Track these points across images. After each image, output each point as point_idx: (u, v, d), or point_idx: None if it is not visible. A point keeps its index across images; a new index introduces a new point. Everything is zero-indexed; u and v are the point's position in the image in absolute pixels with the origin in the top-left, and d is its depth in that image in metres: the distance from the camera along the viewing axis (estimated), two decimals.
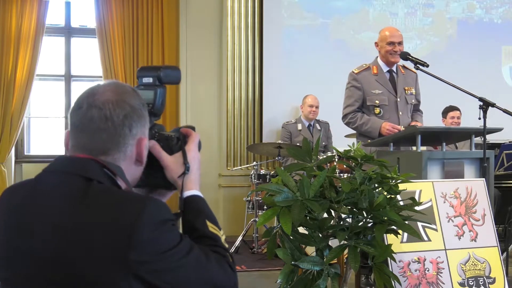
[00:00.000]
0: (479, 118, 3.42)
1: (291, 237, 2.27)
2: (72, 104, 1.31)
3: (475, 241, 2.97)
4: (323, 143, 5.92)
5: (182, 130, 1.41)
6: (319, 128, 5.98)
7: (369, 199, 2.29)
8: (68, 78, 6.24)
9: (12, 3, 5.78)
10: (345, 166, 4.24)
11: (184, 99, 6.21)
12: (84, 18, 6.35)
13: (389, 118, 4.00)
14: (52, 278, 1.17)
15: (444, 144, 3.75)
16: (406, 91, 4.11)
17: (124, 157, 1.29)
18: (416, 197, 2.88)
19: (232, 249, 4.92)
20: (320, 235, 2.33)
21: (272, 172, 5.32)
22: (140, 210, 1.17)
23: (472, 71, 6.53)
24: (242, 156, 6.27)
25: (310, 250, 2.48)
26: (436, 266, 2.83)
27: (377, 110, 4.02)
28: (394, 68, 4.13)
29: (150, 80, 1.37)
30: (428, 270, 2.80)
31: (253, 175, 5.31)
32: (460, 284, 2.84)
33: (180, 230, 1.29)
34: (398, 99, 4.06)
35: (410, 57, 3.83)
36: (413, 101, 4.15)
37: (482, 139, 3.45)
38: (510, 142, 5.34)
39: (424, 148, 4.04)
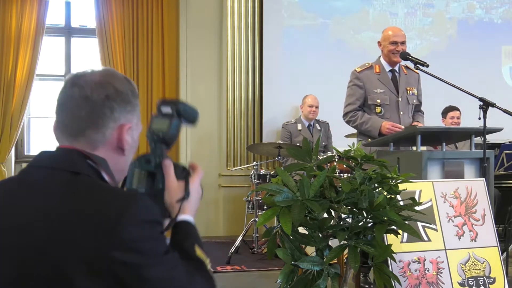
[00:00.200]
0: (479, 118, 3.42)
1: (291, 237, 2.27)
2: None
3: (475, 241, 2.97)
4: (323, 143, 5.92)
5: (190, 164, 1.43)
6: (319, 128, 5.98)
7: (369, 199, 2.29)
8: None
9: (12, 3, 5.79)
10: (345, 166, 4.24)
11: (184, 99, 6.19)
12: (84, 18, 6.35)
13: (390, 117, 4.00)
14: (31, 273, 1.14)
15: (444, 144, 3.74)
16: (408, 91, 4.11)
17: (103, 139, 1.26)
18: (416, 197, 2.88)
19: (232, 249, 4.92)
20: (320, 235, 2.33)
21: (272, 172, 5.32)
22: (126, 206, 1.15)
23: (472, 71, 6.52)
24: (242, 156, 6.27)
25: (310, 250, 2.48)
26: (436, 266, 2.83)
27: (378, 109, 4.02)
28: (396, 68, 4.13)
29: (169, 110, 1.38)
30: (428, 270, 2.80)
31: (253, 175, 5.31)
32: (460, 284, 2.84)
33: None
34: (400, 99, 4.06)
35: (410, 57, 3.83)
36: (414, 101, 4.14)
37: (482, 139, 3.45)
38: (510, 142, 5.34)
39: (424, 148, 4.04)
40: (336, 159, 4.27)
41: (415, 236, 2.37)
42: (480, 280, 2.90)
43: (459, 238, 2.94)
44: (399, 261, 2.73)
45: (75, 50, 6.30)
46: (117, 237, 1.12)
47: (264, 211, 3.58)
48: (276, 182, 2.34)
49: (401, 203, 2.47)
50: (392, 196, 2.42)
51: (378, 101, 4.03)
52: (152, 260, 1.15)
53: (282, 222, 2.17)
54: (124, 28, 6.00)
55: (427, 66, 3.71)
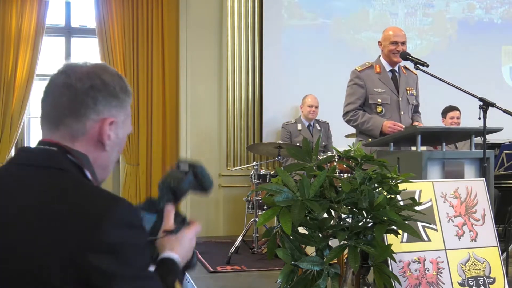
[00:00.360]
0: (479, 118, 3.42)
1: (291, 237, 2.27)
2: None
3: (475, 241, 2.97)
4: (323, 143, 5.92)
5: (191, 220, 1.43)
6: (319, 128, 5.98)
7: (369, 199, 2.29)
8: None
9: (12, 3, 5.79)
10: (345, 166, 4.23)
11: (184, 99, 6.20)
12: (84, 18, 6.35)
13: (391, 117, 3.99)
14: (11, 270, 1.11)
15: (444, 144, 3.75)
16: (408, 92, 4.11)
17: (83, 130, 1.23)
18: (416, 197, 2.88)
19: (232, 249, 4.92)
20: (320, 235, 2.33)
21: (272, 172, 5.32)
22: (110, 207, 1.10)
23: (472, 71, 6.52)
24: (242, 156, 6.27)
25: (310, 250, 2.48)
26: (436, 266, 2.83)
27: (379, 109, 4.02)
28: (396, 68, 4.13)
29: (187, 168, 1.42)
30: (428, 270, 2.80)
31: (253, 175, 5.31)
32: (460, 284, 2.84)
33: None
34: (400, 99, 4.06)
35: (410, 57, 3.83)
36: (414, 101, 4.15)
37: (482, 139, 3.45)
38: (510, 142, 5.34)
39: (424, 148, 4.04)
40: (336, 159, 4.27)
41: (415, 236, 2.37)
42: (480, 280, 2.90)
43: (459, 238, 2.94)
44: (399, 261, 2.73)
45: (75, 50, 6.30)
46: (97, 238, 1.07)
47: (264, 211, 3.58)
48: (276, 182, 2.34)
49: (401, 203, 2.47)
50: (392, 196, 2.42)
51: (379, 100, 4.03)
52: (127, 271, 1.09)
53: (282, 222, 2.17)
54: (124, 28, 6.00)
55: (427, 66, 3.71)
